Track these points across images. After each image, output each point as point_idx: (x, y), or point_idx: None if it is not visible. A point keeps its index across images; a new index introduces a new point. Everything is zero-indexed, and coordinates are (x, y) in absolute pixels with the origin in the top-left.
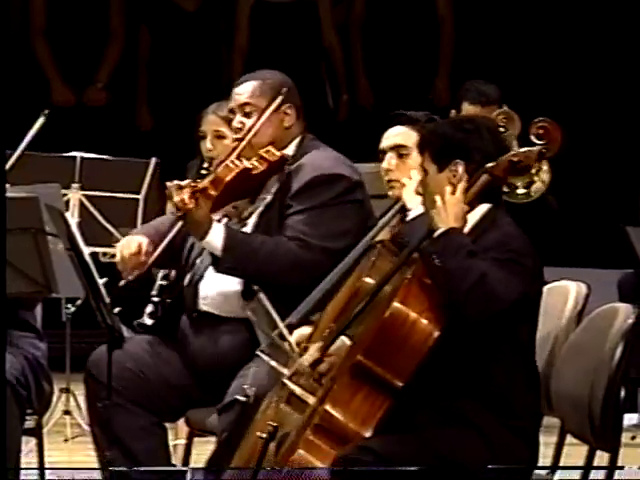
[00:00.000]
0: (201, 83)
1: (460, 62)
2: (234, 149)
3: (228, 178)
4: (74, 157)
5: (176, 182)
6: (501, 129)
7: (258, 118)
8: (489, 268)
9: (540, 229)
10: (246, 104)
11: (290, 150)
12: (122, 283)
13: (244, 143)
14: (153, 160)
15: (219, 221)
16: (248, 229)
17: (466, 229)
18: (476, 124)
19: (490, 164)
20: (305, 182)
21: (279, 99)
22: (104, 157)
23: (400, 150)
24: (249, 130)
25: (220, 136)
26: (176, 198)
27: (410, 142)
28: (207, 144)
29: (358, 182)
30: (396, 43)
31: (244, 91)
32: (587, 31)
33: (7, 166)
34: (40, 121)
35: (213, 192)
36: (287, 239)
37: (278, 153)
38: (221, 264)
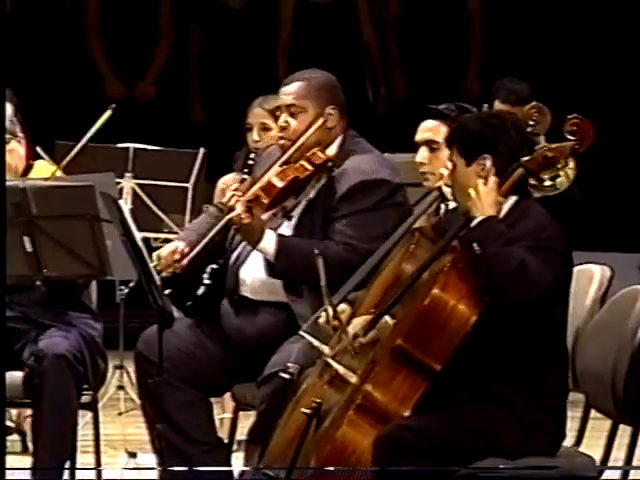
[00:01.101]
0: (248, 78)
1: (490, 56)
2: (284, 152)
3: (280, 185)
4: (127, 148)
5: (233, 186)
6: (532, 122)
7: (307, 127)
8: (526, 255)
9: (566, 216)
10: (292, 105)
11: (333, 149)
12: (158, 278)
13: (291, 151)
14: (201, 150)
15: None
16: (291, 224)
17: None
18: (502, 120)
19: (525, 158)
20: (350, 187)
21: (327, 110)
22: (155, 148)
23: (431, 144)
24: (298, 138)
25: (266, 128)
26: (233, 214)
27: (440, 137)
28: (254, 136)
29: (399, 185)
30: (428, 39)
31: (290, 92)
32: (615, 28)
33: (70, 156)
34: (107, 114)
35: (265, 200)
36: (335, 242)
37: (323, 156)
38: (275, 268)
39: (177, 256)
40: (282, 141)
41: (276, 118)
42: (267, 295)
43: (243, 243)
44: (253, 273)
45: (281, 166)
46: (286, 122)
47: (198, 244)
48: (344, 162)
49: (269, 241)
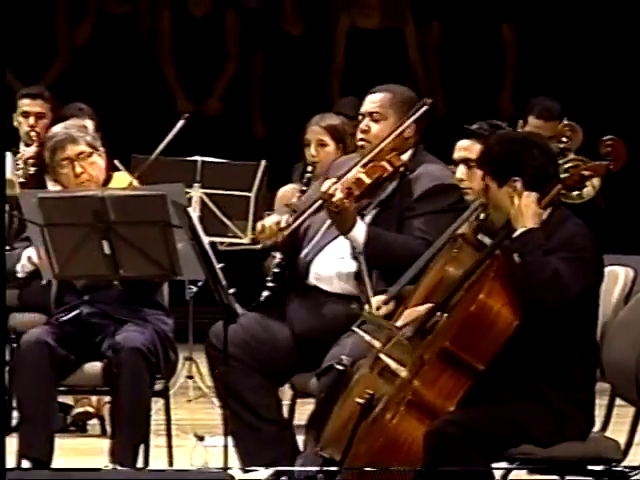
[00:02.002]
0: (305, 97)
1: (522, 77)
2: (367, 153)
3: (368, 181)
4: (195, 161)
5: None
6: (565, 139)
7: (392, 131)
8: (560, 265)
9: (592, 223)
10: (375, 112)
11: (406, 157)
12: (259, 247)
13: (375, 152)
14: (262, 163)
15: None
16: (365, 222)
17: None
18: (525, 143)
19: (564, 175)
20: (427, 189)
21: (411, 119)
22: (221, 160)
23: (468, 162)
24: (380, 142)
25: (322, 144)
26: (335, 198)
27: (475, 154)
28: (311, 150)
29: (461, 192)
30: (466, 62)
31: (376, 100)
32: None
33: (141, 169)
34: (179, 124)
35: (357, 192)
36: (413, 237)
37: (401, 160)
38: (363, 252)
39: (283, 224)
40: (361, 142)
41: (332, 135)
42: (338, 287)
43: (318, 236)
44: (326, 265)
45: (363, 166)
46: (368, 126)
47: (300, 217)
48: (417, 169)
49: (360, 230)
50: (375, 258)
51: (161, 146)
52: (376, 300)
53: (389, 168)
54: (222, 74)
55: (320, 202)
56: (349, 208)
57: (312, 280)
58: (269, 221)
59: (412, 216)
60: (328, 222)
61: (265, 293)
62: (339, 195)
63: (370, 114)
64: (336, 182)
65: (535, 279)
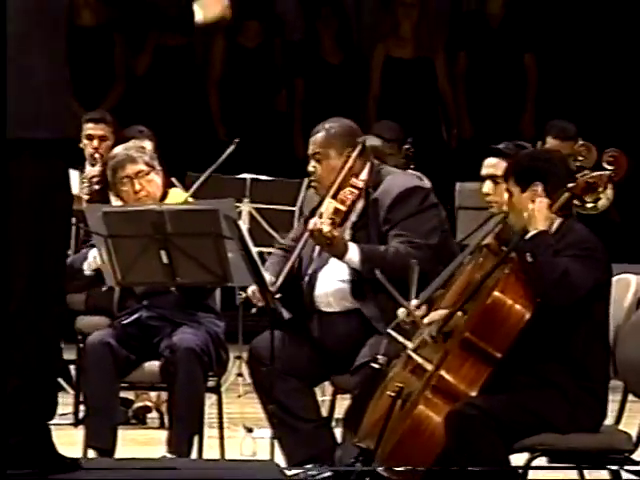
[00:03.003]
0: None
1: (543, 102)
2: (328, 189)
3: (344, 208)
4: (244, 178)
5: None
6: (581, 158)
7: (343, 165)
8: (570, 263)
9: (606, 233)
10: (316, 153)
11: (364, 176)
12: (253, 310)
13: (335, 187)
14: (305, 180)
15: None
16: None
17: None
18: (549, 154)
19: (570, 185)
20: (393, 199)
21: (352, 155)
22: (267, 178)
23: (495, 178)
24: (335, 179)
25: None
26: (324, 231)
27: (501, 171)
28: None
29: (429, 189)
30: (492, 88)
31: (315, 142)
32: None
33: (195, 185)
34: (231, 148)
35: (338, 220)
36: (400, 244)
37: (361, 182)
38: (362, 272)
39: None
40: (313, 183)
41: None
42: (339, 305)
43: (311, 269)
44: (324, 289)
45: (333, 197)
46: (314, 167)
47: (282, 272)
48: (380, 185)
49: (353, 252)
50: (373, 272)
51: (214, 166)
52: (410, 305)
53: (356, 191)
54: (268, 100)
55: (304, 240)
56: (338, 237)
57: (317, 305)
58: (253, 287)
59: (390, 227)
60: (317, 250)
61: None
62: (326, 228)
63: (312, 156)
64: (318, 218)
65: (546, 278)
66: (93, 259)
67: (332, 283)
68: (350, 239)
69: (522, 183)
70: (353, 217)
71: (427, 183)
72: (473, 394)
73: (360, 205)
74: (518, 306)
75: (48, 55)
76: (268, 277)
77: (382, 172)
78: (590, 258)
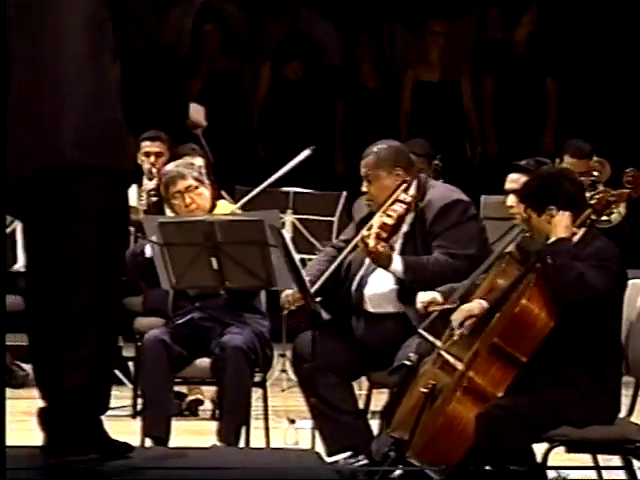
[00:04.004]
0: (378, 139)
1: (563, 123)
2: (381, 205)
3: (392, 222)
4: (288, 192)
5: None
6: (596, 173)
7: (396, 187)
8: (586, 268)
9: (618, 244)
10: (367, 175)
11: (413, 191)
12: (284, 312)
13: (388, 204)
14: (343, 193)
15: None
16: (396, 252)
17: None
18: (556, 177)
19: (593, 201)
20: (436, 212)
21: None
22: (309, 191)
23: (516, 193)
24: (387, 197)
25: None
26: (370, 246)
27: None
28: None
29: (470, 202)
30: (516, 109)
31: (365, 165)
32: None
33: (246, 198)
34: (305, 153)
35: (385, 235)
36: (441, 254)
37: (409, 197)
38: (405, 281)
39: (297, 295)
40: (368, 202)
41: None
42: (385, 307)
43: (362, 271)
44: (375, 290)
45: (383, 212)
46: (367, 188)
47: (318, 282)
48: (425, 197)
49: (397, 263)
50: (415, 282)
51: (271, 179)
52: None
53: (403, 206)
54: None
55: (352, 247)
56: (382, 251)
57: (368, 307)
58: (287, 291)
59: (433, 238)
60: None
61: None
62: (372, 243)
63: (365, 177)
64: (366, 230)
65: (563, 278)
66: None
67: (383, 286)
68: (401, 247)
69: (537, 208)
70: (405, 228)
71: (467, 196)
72: (499, 394)
73: (410, 217)
74: (544, 314)
75: (115, 88)
76: (307, 278)
77: (427, 185)
78: (605, 268)
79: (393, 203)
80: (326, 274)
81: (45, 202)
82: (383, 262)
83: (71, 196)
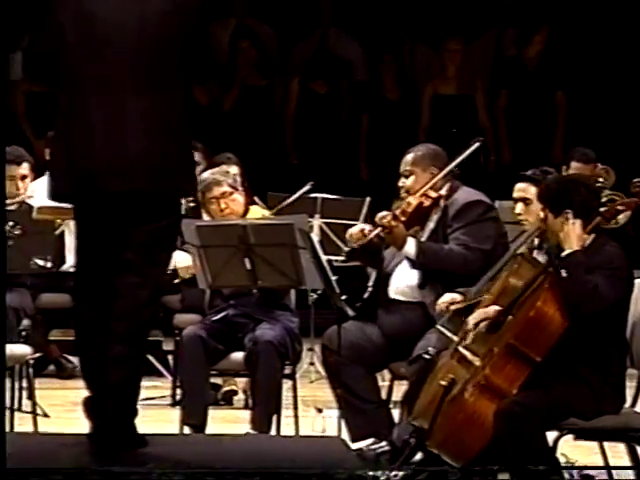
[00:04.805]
0: (400, 148)
1: (571, 133)
2: (413, 194)
3: (410, 209)
4: (316, 197)
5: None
6: (602, 180)
7: (426, 183)
8: (599, 280)
9: (621, 243)
10: (405, 170)
11: (444, 191)
12: (346, 249)
13: (417, 196)
14: (367, 199)
15: None
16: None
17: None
18: (575, 183)
19: (603, 209)
20: (458, 208)
21: (430, 170)
22: (335, 197)
23: (524, 200)
24: (417, 190)
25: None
26: (385, 220)
27: (530, 194)
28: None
29: (491, 205)
30: (528, 120)
31: (405, 161)
32: None
33: (285, 203)
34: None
35: (403, 217)
36: (456, 245)
37: (435, 194)
38: (416, 263)
39: (366, 231)
40: (403, 194)
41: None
42: (407, 295)
43: (391, 264)
44: (398, 280)
45: (407, 202)
46: (403, 182)
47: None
48: (452, 196)
49: (410, 245)
50: (427, 265)
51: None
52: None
53: (429, 200)
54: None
55: (375, 227)
56: (396, 229)
57: (391, 294)
58: (355, 228)
59: (452, 231)
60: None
61: (366, 295)
62: (387, 218)
63: (402, 173)
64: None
65: (578, 291)
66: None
67: (407, 277)
68: (427, 239)
69: (554, 210)
70: (431, 224)
71: (489, 200)
72: (514, 391)
73: (437, 215)
74: (558, 316)
75: (185, 116)
76: (361, 227)
77: (457, 188)
78: (616, 277)
79: (419, 194)
80: (373, 233)
81: (120, 216)
82: (397, 241)
83: (144, 217)
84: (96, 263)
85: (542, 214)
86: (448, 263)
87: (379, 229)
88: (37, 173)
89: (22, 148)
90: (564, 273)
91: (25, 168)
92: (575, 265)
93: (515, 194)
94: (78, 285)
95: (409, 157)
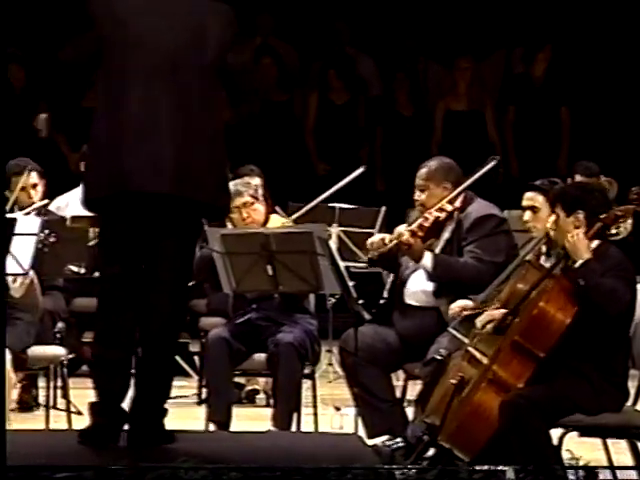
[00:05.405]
0: (413, 161)
1: (575, 146)
2: (428, 208)
3: (427, 224)
4: (334, 207)
5: (404, 229)
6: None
7: (442, 198)
8: (614, 282)
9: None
10: (419, 184)
11: (458, 203)
12: (368, 256)
13: (433, 211)
14: (383, 208)
15: None
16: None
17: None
18: (591, 188)
19: (603, 215)
20: (472, 222)
21: (444, 184)
22: (353, 207)
23: (533, 209)
24: (433, 205)
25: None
26: (403, 237)
27: (538, 203)
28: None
29: (504, 219)
30: (534, 134)
31: (419, 175)
32: None
33: (299, 213)
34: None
35: (420, 233)
36: (470, 258)
37: (450, 207)
38: (433, 275)
39: (387, 240)
40: (419, 207)
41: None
42: (422, 300)
43: (407, 271)
44: (413, 286)
45: (424, 217)
46: (418, 196)
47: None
48: (466, 209)
49: (427, 259)
50: (442, 277)
51: (323, 196)
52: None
53: (442, 214)
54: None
55: (392, 238)
56: (414, 245)
57: (407, 299)
58: (376, 237)
59: (466, 244)
60: None
61: (381, 301)
62: (405, 235)
63: (417, 186)
64: (405, 226)
65: (598, 296)
66: None
67: (422, 283)
68: (440, 250)
69: (567, 209)
70: (446, 234)
71: (502, 213)
72: (520, 386)
73: (451, 226)
74: (559, 315)
75: (220, 130)
76: (382, 236)
77: (470, 201)
78: (626, 278)
79: (435, 209)
80: (390, 245)
81: (160, 220)
82: (415, 255)
83: (173, 225)
84: (121, 271)
85: (553, 217)
86: (462, 275)
87: (397, 242)
88: (72, 185)
89: (28, 158)
90: (582, 282)
91: (34, 177)
92: (590, 272)
93: (524, 202)
94: (103, 293)
95: (423, 171)
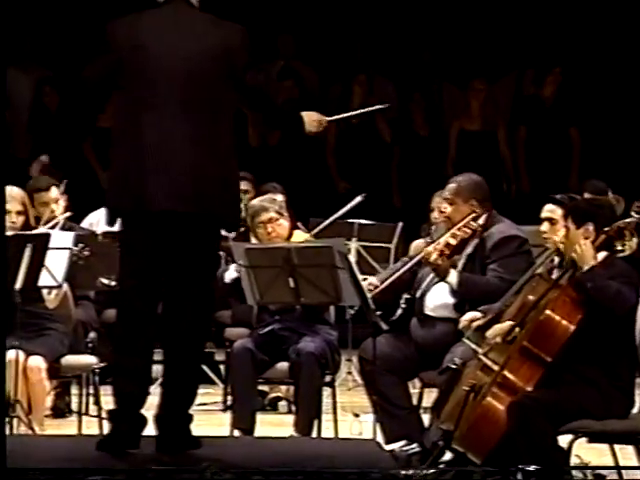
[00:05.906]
0: (429, 178)
1: (585, 164)
2: (451, 227)
3: (454, 243)
4: (353, 223)
5: (432, 247)
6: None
7: (467, 215)
8: (619, 285)
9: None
10: (447, 198)
11: (482, 221)
12: (372, 303)
13: (458, 227)
14: (399, 224)
15: None
16: (458, 268)
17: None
18: (600, 203)
19: (606, 228)
20: (496, 242)
21: (471, 202)
22: (370, 222)
23: (551, 220)
24: (458, 220)
25: (441, 210)
26: (431, 258)
27: (556, 215)
28: (434, 214)
29: (526, 240)
30: (545, 153)
31: (448, 189)
32: None
33: (320, 227)
34: (357, 199)
35: (447, 252)
36: (493, 277)
37: (475, 224)
38: (457, 293)
39: (371, 287)
40: (443, 219)
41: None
42: (442, 313)
43: (427, 280)
44: (434, 299)
45: (451, 235)
46: (445, 208)
47: (387, 280)
48: (490, 228)
49: (453, 276)
50: (466, 294)
51: (338, 214)
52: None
53: (468, 231)
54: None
55: (417, 260)
56: (442, 264)
57: (427, 311)
58: (364, 283)
59: (489, 263)
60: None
61: (398, 312)
62: (434, 256)
63: (445, 200)
64: (433, 246)
65: (605, 296)
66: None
67: (442, 295)
68: (463, 265)
69: (578, 221)
70: (469, 249)
71: (524, 234)
72: (529, 389)
73: (474, 243)
74: (565, 322)
75: (232, 149)
76: (369, 282)
77: (495, 220)
78: (632, 284)
79: (461, 228)
80: (397, 274)
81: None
82: (441, 273)
83: (191, 242)
84: (139, 283)
85: (563, 230)
86: (485, 292)
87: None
88: (103, 202)
89: (61, 172)
90: (589, 284)
91: (54, 192)
92: (596, 276)
93: (543, 214)
94: (121, 304)
95: (452, 186)
